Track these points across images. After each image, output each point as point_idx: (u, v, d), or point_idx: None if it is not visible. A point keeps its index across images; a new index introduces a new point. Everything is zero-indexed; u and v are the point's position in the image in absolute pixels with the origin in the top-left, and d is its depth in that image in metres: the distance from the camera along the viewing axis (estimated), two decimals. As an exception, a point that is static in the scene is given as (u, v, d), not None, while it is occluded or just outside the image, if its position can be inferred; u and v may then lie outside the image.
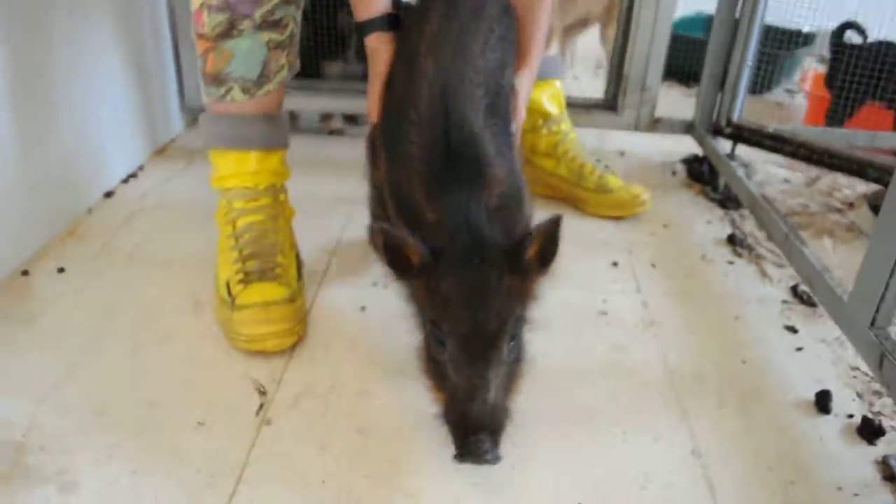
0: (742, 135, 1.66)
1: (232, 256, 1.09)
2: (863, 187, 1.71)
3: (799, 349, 1.12)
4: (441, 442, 0.88)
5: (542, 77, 1.42)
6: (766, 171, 1.79)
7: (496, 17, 0.99)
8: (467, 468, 0.81)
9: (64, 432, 0.88)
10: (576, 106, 1.77)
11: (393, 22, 1.01)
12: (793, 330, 1.16)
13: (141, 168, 1.61)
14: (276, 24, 1.09)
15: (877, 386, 1.04)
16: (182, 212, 1.42)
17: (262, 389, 0.97)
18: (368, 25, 1.00)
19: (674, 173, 1.77)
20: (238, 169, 1.12)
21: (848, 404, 1.01)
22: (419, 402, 0.95)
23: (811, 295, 1.23)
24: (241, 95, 1.11)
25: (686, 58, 2.40)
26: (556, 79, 1.53)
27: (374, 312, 1.14)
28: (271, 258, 1.08)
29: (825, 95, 2.03)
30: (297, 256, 1.16)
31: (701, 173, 1.73)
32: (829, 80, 2.01)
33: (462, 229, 0.80)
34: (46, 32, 1.26)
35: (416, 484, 0.84)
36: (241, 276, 1.06)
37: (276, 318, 1.01)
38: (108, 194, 1.48)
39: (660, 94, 1.77)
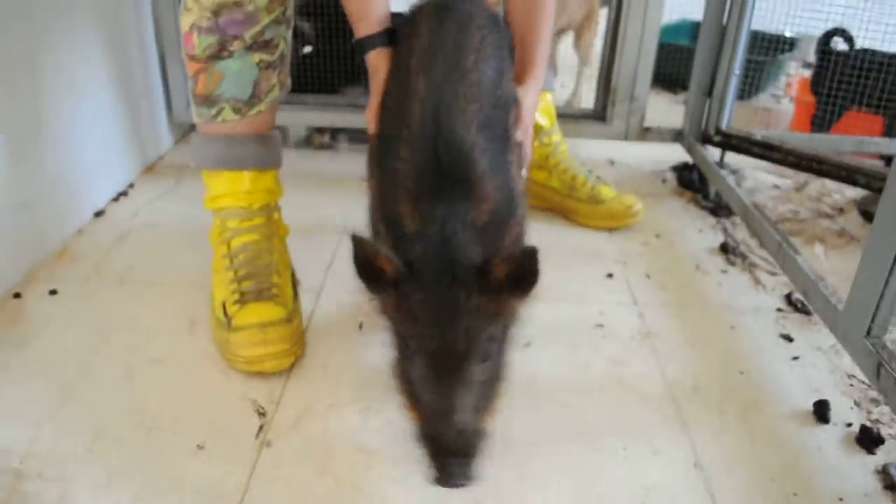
0: (731, 142, 1.67)
1: (227, 277, 1.08)
2: (852, 192, 1.72)
3: (795, 358, 1.13)
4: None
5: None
6: (756, 177, 1.81)
7: (486, 27, 0.98)
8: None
9: (62, 458, 0.87)
10: (566, 116, 1.78)
11: (392, 37, 1.01)
12: (788, 339, 1.17)
13: (131, 186, 1.60)
14: (266, 45, 1.09)
15: (874, 394, 1.05)
16: (174, 230, 1.41)
17: (262, 410, 0.96)
18: (368, 42, 0.99)
19: (664, 181, 1.78)
20: (231, 188, 1.12)
21: (846, 413, 1.01)
22: (420, 421, 0.95)
23: (805, 303, 1.24)
24: (232, 115, 1.11)
25: (672, 65, 2.42)
26: (547, 91, 1.54)
27: (372, 330, 1.14)
28: (267, 278, 1.08)
29: (811, 100, 2.05)
30: (293, 275, 1.16)
31: (691, 181, 1.74)
32: (815, 85, 2.03)
33: (436, 244, 0.77)
34: (35, 52, 1.25)
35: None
36: (236, 296, 1.05)
37: (273, 339, 1.01)
38: (99, 214, 1.47)
39: (648, 101, 1.78)
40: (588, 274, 1.33)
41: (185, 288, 1.22)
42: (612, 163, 1.87)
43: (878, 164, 1.64)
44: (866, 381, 1.06)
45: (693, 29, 2.66)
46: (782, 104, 2.45)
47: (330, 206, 1.53)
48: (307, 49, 1.90)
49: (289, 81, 1.18)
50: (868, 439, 0.96)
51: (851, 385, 1.07)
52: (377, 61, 1.00)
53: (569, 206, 1.52)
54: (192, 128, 1.17)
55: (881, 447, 0.95)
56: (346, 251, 1.35)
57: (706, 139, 1.71)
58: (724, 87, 1.66)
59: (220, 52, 1.07)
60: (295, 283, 1.15)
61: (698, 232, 1.52)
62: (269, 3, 1.07)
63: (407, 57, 0.95)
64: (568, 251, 1.41)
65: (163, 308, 1.17)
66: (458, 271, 0.75)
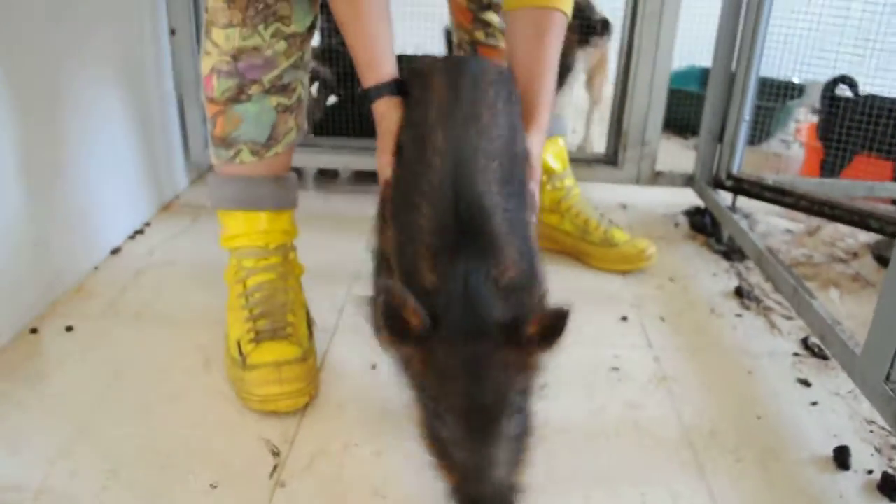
0: (742, 187, 1.68)
1: (242, 315, 1.08)
2: (865, 237, 1.72)
3: (814, 403, 1.12)
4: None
5: (547, 135, 1.44)
6: (768, 221, 1.81)
7: (498, 83, 0.99)
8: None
9: (75, 495, 0.87)
10: (578, 161, 1.79)
11: (400, 87, 1.01)
12: (806, 384, 1.16)
13: (147, 224, 1.62)
14: (284, 89, 1.11)
15: (895, 440, 1.03)
16: (190, 268, 1.42)
17: (276, 450, 0.96)
18: (376, 91, 1.00)
19: (676, 225, 1.78)
20: (248, 228, 1.13)
21: (867, 459, 1.00)
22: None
23: (822, 348, 1.23)
24: (250, 157, 1.12)
25: (682, 110, 2.44)
26: (560, 136, 1.56)
27: (386, 370, 1.13)
28: (282, 317, 1.08)
29: (820, 146, 2.06)
30: (308, 315, 1.16)
31: (703, 225, 1.74)
32: (822, 131, 2.05)
33: (460, 299, 0.76)
34: (54, 91, 1.27)
35: (435, 548, 0.83)
36: (252, 335, 1.06)
37: (288, 378, 1.00)
38: (115, 251, 1.48)
39: (658, 146, 1.80)
40: (602, 317, 1.32)
41: (201, 326, 1.22)
42: (624, 207, 1.88)
43: (891, 209, 1.65)
44: (886, 426, 1.05)
45: (702, 75, 2.69)
46: (792, 149, 2.46)
47: (344, 247, 1.53)
48: (332, 99, 1.93)
49: (306, 124, 1.20)
50: (890, 486, 0.94)
51: (871, 431, 1.06)
52: (386, 109, 0.99)
53: (582, 249, 1.53)
54: (209, 168, 1.19)
55: (903, 495, 0.94)
56: (360, 291, 1.35)
57: (718, 184, 1.72)
58: (734, 133, 1.67)
59: (238, 96, 1.09)
60: (310, 323, 1.15)
61: (712, 276, 1.52)
62: (288, 48, 1.09)
63: (422, 110, 0.95)
64: (582, 294, 1.41)
65: (178, 346, 1.17)
66: (485, 327, 0.74)
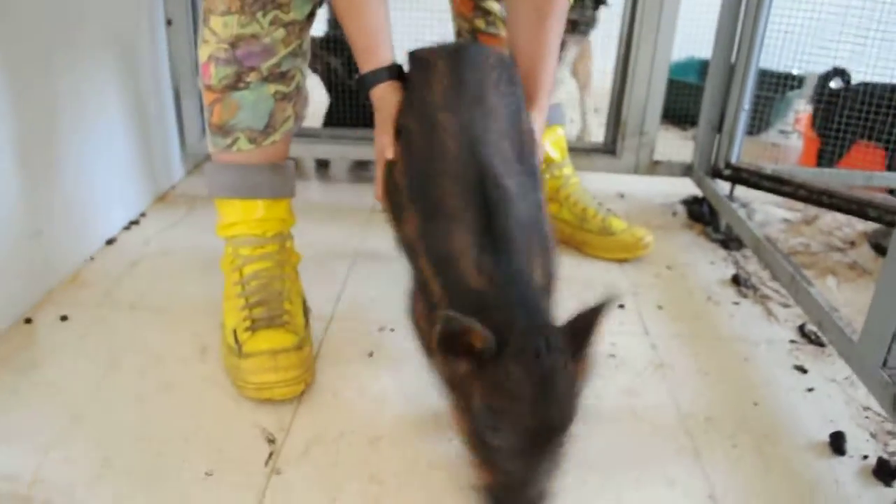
0: (741, 176, 1.68)
1: (238, 304, 1.08)
2: (862, 226, 1.72)
3: (810, 389, 1.11)
4: (454, 490, 0.87)
5: (546, 124, 1.43)
6: (766, 210, 1.81)
7: (499, 67, 0.98)
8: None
9: (70, 484, 0.87)
10: (576, 150, 1.79)
11: (399, 72, 1.01)
12: (802, 370, 1.16)
13: (143, 215, 1.61)
14: (282, 77, 1.10)
15: (890, 426, 1.03)
16: (185, 258, 1.42)
17: (271, 438, 0.96)
18: (375, 76, 0.99)
19: (674, 214, 1.78)
20: (245, 216, 1.13)
21: (862, 445, 1.00)
22: (431, 449, 0.94)
23: (819, 335, 1.23)
24: (247, 145, 1.12)
25: (681, 101, 2.43)
26: (559, 125, 1.55)
27: (382, 358, 1.13)
28: (278, 305, 1.08)
29: (817, 136, 2.05)
30: (304, 303, 1.16)
31: (701, 214, 1.74)
32: (818, 123, 2.04)
33: (519, 311, 0.74)
34: (49, 81, 1.27)
35: (430, 533, 0.83)
36: (248, 323, 1.05)
37: (284, 366, 1.00)
38: (110, 241, 1.47)
39: (658, 135, 1.79)
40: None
41: (196, 315, 1.22)
42: (622, 196, 1.87)
43: (889, 198, 1.64)
44: (882, 412, 1.05)
45: (701, 67, 2.68)
46: (791, 139, 2.46)
47: (341, 236, 1.53)
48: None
49: (304, 113, 1.19)
50: (885, 472, 0.94)
51: (867, 417, 1.06)
52: (384, 93, 0.99)
53: (580, 237, 1.52)
54: (205, 158, 1.19)
55: (899, 480, 0.93)
56: (356, 279, 1.35)
57: (716, 173, 1.71)
58: (733, 122, 1.66)
59: (236, 84, 1.09)
60: (306, 311, 1.15)
61: (709, 264, 1.51)
62: (286, 35, 1.08)
63: (425, 92, 0.94)
64: (580, 282, 1.41)
65: (173, 334, 1.17)
66: (552, 341, 0.72)
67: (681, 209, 1.80)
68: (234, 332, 1.06)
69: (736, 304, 1.36)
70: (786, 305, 1.35)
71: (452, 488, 0.88)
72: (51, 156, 1.28)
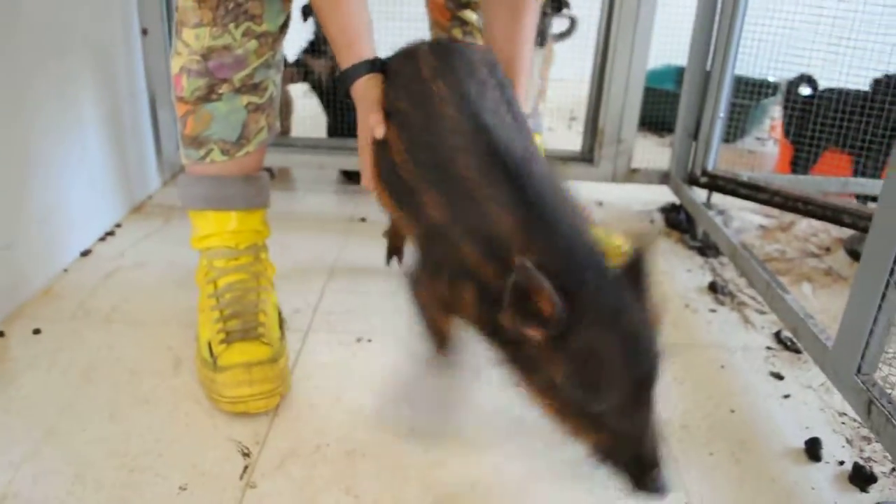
0: (717, 184, 1.69)
1: (213, 316, 1.07)
2: (837, 232, 1.73)
3: (786, 396, 1.12)
4: (430, 502, 0.87)
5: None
6: (742, 217, 1.82)
7: (486, 63, 0.97)
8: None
9: (41, 500, 0.85)
10: (554, 159, 1.79)
11: (381, 65, 0.99)
12: (779, 377, 1.16)
13: (118, 226, 1.60)
14: (255, 88, 1.10)
15: (866, 432, 1.04)
16: (160, 270, 1.41)
17: (246, 451, 0.95)
18: (355, 70, 0.98)
19: (652, 222, 1.79)
20: (218, 228, 1.12)
21: (838, 451, 1.00)
22: (408, 461, 0.94)
23: (795, 341, 1.24)
24: (220, 157, 1.11)
25: (658, 109, 2.45)
26: (536, 134, 1.55)
27: (359, 369, 1.13)
28: (253, 318, 1.07)
29: (788, 143, 2.08)
30: (280, 315, 1.15)
31: (678, 221, 1.75)
32: (787, 130, 2.06)
33: (584, 272, 0.71)
34: (22, 92, 1.25)
35: (406, 546, 0.82)
36: (222, 336, 1.04)
37: (259, 379, 0.99)
38: (85, 253, 1.46)
39: (635, 143, 1.80)
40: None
41: (171, 328, 1.20)
42: (600, 204, 1.88)
43: (863, 206, 1.66)
44: (857, 418, 1.06)
45: (678, 74, 2.70)
46: (767, 146, 2.48)
47: (318, 247, 1.52)
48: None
49: (277, 124, 1.19)
50: (861, 477, 0.95)
51: (843, 423, 1.06)
52: (367, 86, 0.97)
53: (557, 246, 1.52)
54: (181, 168, 1.17)
55: (874, 485, 0.94)
56: (333, 290, 1.35)
57: (693, 180, 1.72)
58: (709, 130, 1.68)
59: (208, 95, 1.08)
60: (281, 323, 1.14)
61: (686, 271, 1.52)
62: (259, 47, 1.08)
63: (415, 76, 0.92)
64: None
65: (148, 348, 1.16)
66: (624, 293, 0.71)
67: (658, 217, 1.81)
68: (209, 344, 1.05)
69: (713, 311, 1.36)
70: (762, 312, 1.36)
71: (428, 501, 0.88)
72: (23, 166, 1.26)
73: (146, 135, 1.75)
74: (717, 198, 1.71)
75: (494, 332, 0.78)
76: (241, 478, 0.90)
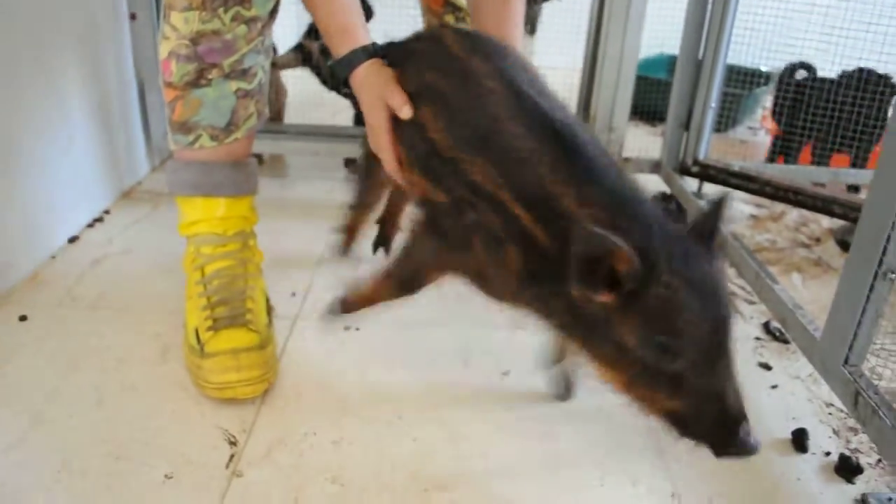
0: (708, 173, 1.69)
1: (200, 303, 1.06)
2: (828, 222, 1.73)
3: (774, 387, 1.12)
4: (417, 491, 0.87)
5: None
6: (733, 207, 1.82)
7: (504, 47, 0.97)
8: None
9: (26, 488, 0.85)
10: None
11: (380, 51, 0.98)
12: (767, 367, 1.17)
13: (107, 212, 1.58)
14: (244, 74, 1.09)
15: (852, 422, 1.04)
16: (149, 256, 1.40)
17: (233, 439, 0.94)
18: (354, 56, 0.97)
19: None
20: (206, 215, 1.11)
21: (825, 442, 1.01)
22: (395, 450, 0.94)
23: (784, 332, 1.24)
24: (209, 143, 1.10)
25: (650, 98, 2.45)
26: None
27: (347, 357, 1.12)
28: (240, 304, 1.06)
29: (777, 129, 2.08)
30: (267, 302, 1.15)
31: (669, 211, 1.75)
32: (779, 116, 2.07)
33: (649, 228, 0.70)
34: (9, 76, 1.24)
35: (393, 535, 0.82)
36: (209, 322, 1.04)
37: (246, 366, 0.99)
38: (73, 239, 1.45)
39: (627, 132, 1.80)
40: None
41: (159, 314, 1.20)
42: (591, 193, 1.87)
43: (854, 196, 1.66)
44: (845, 409, 1.06)
45: (671, 63, 2.69)
46: (759, 136, 2.48)
47: (307, 234, 1.52)
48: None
49: (266, 110, 1.18)
50: (847, 468, 0.95)
51: (830, 413, 1.07)
52: (371, 71, 0.96)
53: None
54: (170, 154, 1.16)
55: (860, 476, 0.94)
56: (322, 277, 1.34)
57: (684, 170, 1.72)
58: (700, 120, 1.67)
59: (197, 80, 1.07)
60: (269, 310, 1.14)
61: (677, 261, 1.52)
62: (249, 32, 1.07)
63: (445, 53, 0.92)
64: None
65: (135, 335, 1.15)
66: (693, 248, 0.70)
67: (649, 206, 1.81)
68: (196, 331, 1.05)
69: (702, 300, 1.36)
70: (751, 302, 1.36)
71: (415, 490, 0.88)
72: (8, 152, 1.25)
73: (135, 120, 1.74)
74: (709, 187, 1.71)
75: (543, 301, 0.78)
76: (228, 466, 0.90)
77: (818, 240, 1.66)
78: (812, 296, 1.40)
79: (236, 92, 1.10)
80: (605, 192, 0.74)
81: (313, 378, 1.07)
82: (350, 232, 1.31)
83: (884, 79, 1.87)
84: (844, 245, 1.63)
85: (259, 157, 1.90)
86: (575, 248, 0.66)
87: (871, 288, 0.89)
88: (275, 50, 1.82)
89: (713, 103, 1.65)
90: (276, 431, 0.96)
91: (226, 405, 1.00)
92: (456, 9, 1.47)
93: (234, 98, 1.10)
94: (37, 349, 1.10)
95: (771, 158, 2.07)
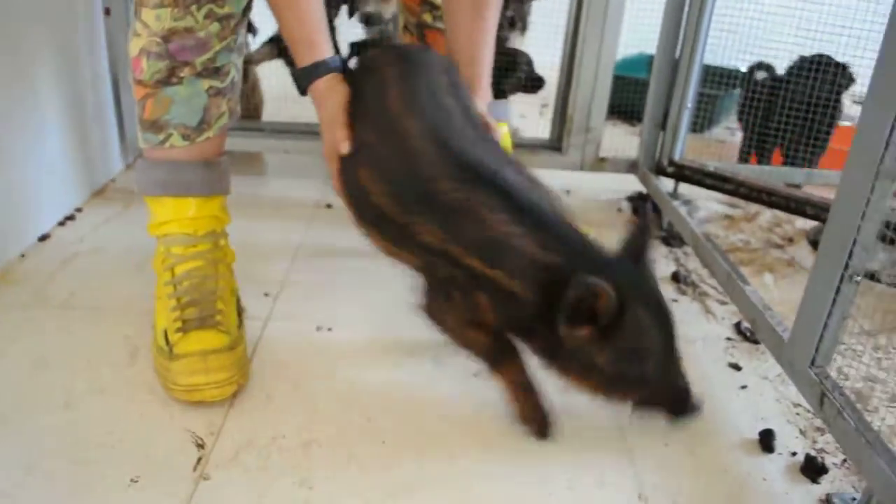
0: (684, 174, 1.69)
1: (170, 304, 1.06)
2: (802, 223, 1.75)
3: (743, 387, 1.13)
4: (385, 495, 0.87)
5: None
6: (708, 207, 1.83)
7: (445, 72, 1.03)
8: None
9: (-11, 492, 0.84)
10: (522, 147, 1.79)
11: (341, 64, 1.01)
12: (737, 367, 1.17)
13: (79, 210, 1.57)
14: (216, 72, 1.08)
15: (819, 423, 1.05)
16: (120, 256, 1.38)
17: (200, 442, 0.94)
18: (316, 69, 0.99)
19: (619, 211, 1.79)
20: (176, 215, 1.10)
21: (791, 441, 1.02)
22: (364, 453, 0.94)
23: (754, 332, 1.25)
24: (181, 142, 1.09)
25: (629, 97, 2.45)
26: (503, 122, 1.55)
27: (319, 358, 1.12)
28: (210, 305, 1.05)
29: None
30: (238, 303, 1.14)
31: (645, 210, 1.75)
32: (741, 116, 2.09)
33: (606, 263, 0.85)
34: (-22, 74, 1.23)
35: (359, 538, 0.82)
36: (179, 324, 1.03)
37: (215, 367, 0.98)
38: (43, 238, 1.43)
39: (605, 132, 1.81)
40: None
41: (130, 315, 1.19)
42: (567, 192, 1.88)
43: (827, 196, 1.67)
44: (812, 410, 1.07)
45: (650, 63, 2.70)
46: (736, 136, 2.49)
47: (282, 233, 1.51)
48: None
49: (238, 108, 1.17)
50: (812, 468, 0.96)
51: (798, 414, 1.08)
52: (330, 86, 0.99)
53: (523, 234, 1.52)
54: (141, 153, 1.15)
55: (825, 476, 0.95)
56: (294, 278, 1.33)
57: (660, 170, 1.73)
58: (677, 120, 1.68)
59: (169, 78, 1.06)
60: (240, 311, 1.13)
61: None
62: (221, 29, 1.06)
63: (381, 105, 0.96)
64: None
65: (105, 335, 1.14)
66: (639, 273, 0.87)
67: (626, 206, 1.81)
68: (165, 333, 1.04)
69: (675, 301, 1.37)
70: (723, 303, 1.37)
71: (384, 492, 0.88)
72: (-23, 150, 1.23)
73: (109, 117, 1.72)
74: (685, 187, 1.72)
75: (523, 331, 0.91)
76: (195, 469, 0.89)
77: (791, 240, 1.68)
78: (783, 296, 1.41)
79: (208, 90, 1.09)
80: (556, 235, 0.86)
81: (284, 379, 1.07)
82: None
83: (841, 67, 1.89)
84: (817, 245, 1.64)
85: (232, 157, 1.89)
86: (569, 293, 0.78)
87: (838, 291, 0.90)
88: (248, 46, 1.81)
89: (689, 103, 1.66)
90: (245, 434, 0.96)
91: (194, 407, 0.99)
92: (433, 7, 1.47)
93: (206, 96, 1.09)
94: (4, 349, 1.09)
95: (742, 159, 2.08)
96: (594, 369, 0.85)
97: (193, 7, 1.02)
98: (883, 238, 0.90)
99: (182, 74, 1.06)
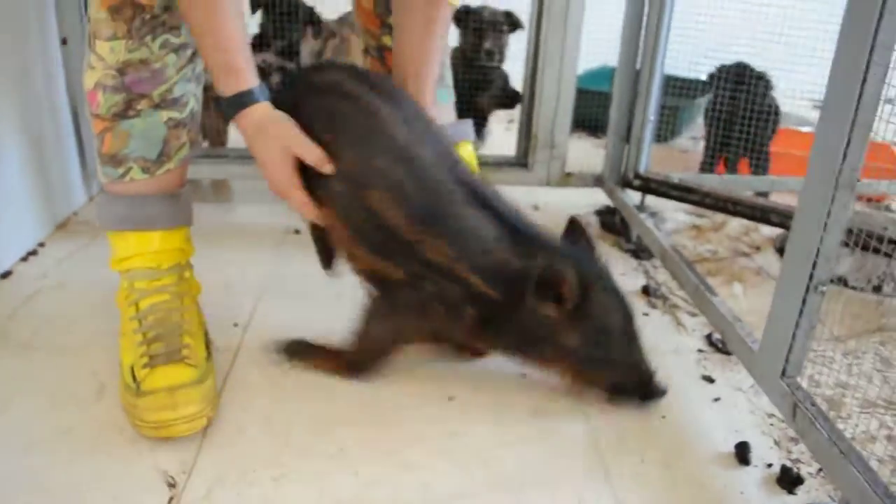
0: (650, 186, 1.70)
1: (135, 340, 1.04)
2: (768, 230, 1.76)
3: (717, 399, 1.13)
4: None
5: (455, 141, 1.43)
6: (676, 218, 1.84)
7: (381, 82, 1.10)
8: None
9: (-50, 545, 0.81)
10: (488, 164, 1.79)
11: (270, 93, 1.01)
12: (710, 380, 1.18)
13: (41, 245, 1.54)
14: (175, 103, 1.07)
15: (793, 433, 1.05)
16: (85, 291, 1.36)
17: (172, 481, 0.92)
18: (244, 98, 0.98)
19: (587, 225, 1.80)
20: (139, 249, 1.08)
21: (766, 453, 1.02)
22: (336, 484, 0.92)
23: (725, 343, 1.25)
24: (141, 175, 1.08)
25: (593, 110, 2.47)
26: (468, 142, 1.54)
27: (290, 388, 1.10)
28: (177, 339, 1.03)
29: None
30: (206, 335, 1.12)
31: (613, 224, 1.76)
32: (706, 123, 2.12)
33: (566, 259, 0.98)
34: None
35: (336, 573, 0.81)
36: (145, 360, 1.01)
37: (183, 402, 0.96)
38: (5, 275, 1.40)
39: (571, 145, 1.81)
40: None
41: (95, 352, 1.16)
42: (536, 208, 1.88)
43: (792, 204, 1.69)
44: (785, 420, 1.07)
45: (613, 75, 2.72)
46: (700, 146, 2.51)
47: (250, 261, 1.49)
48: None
49: (200, 139, 1.16)
50: (788, 479, 0.96)
51: (772, 424, 1.08)
52: (265, 113, 0.99)
53: (493, 252, 1.52)
54: (101, 187, 1.13)
55: (801, 487, 0.95)
56: (264, 308, 1.32)
57: (626, 183, 1.74)
58: (640, 132, 1.69)
59: (126, 111, 1.05)
60: (208, 343, 1.11)
61: (621, 275, 1.53)
62: (178, 59, 1.05)
63: (367, 118, 1.02)
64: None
65: (70, 374, 1.11)
66: (591, 261, 1.05)
67: (594, 220, 1.82)
68: (132, 369, 1.02)
69: (646, 314, 1.37)
70: (693, 315, 1.37)
71: (359, 524, 0.87)
72: (-68, 189, 1.21)
73: (69, 148, 1.69)
74: (652, 199, 1.73)
75: (497, 333, 1.03)
76: (166, 509, 0.87)
77: (758, 248, 1.69)
78: (752, 306, 1.41)
79: (167, 122, 1.08)
80: (530, 239, 1.01)
81: (255, 411, 1.05)
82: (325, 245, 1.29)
83: (762, 77, 1.94)
84: (784, 253, 1.65)
85: (196, 186, 1.87)
86: (537, 275, 0.95)
87: (804, 302, 0.91)
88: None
89: (652, 116, 1.67)
90: (217, 470, 0.94)
91: (164, 444, 0.97)
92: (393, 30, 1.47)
93: (165, 128, 1.08)
94: (-35, 393, 1.06)
95: (703, 169, 2.10)
96: (565, 350, 1.00)
97: (148, 38, 1.01)
98: (846, 244, 0.91)
99: (139, 107, 1.05)
